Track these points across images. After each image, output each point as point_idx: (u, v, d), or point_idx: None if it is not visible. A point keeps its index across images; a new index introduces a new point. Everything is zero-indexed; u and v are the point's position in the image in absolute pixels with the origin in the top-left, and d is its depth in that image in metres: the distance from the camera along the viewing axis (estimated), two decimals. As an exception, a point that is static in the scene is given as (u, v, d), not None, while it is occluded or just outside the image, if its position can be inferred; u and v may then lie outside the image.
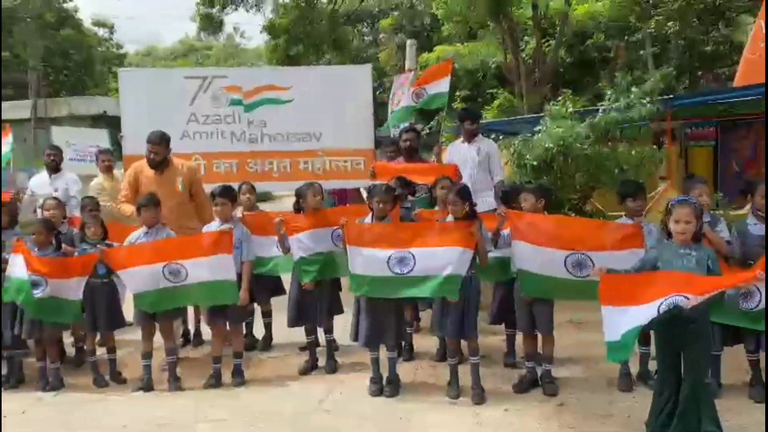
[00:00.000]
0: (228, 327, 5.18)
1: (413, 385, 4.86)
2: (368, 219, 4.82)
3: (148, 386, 5.06)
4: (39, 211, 6.35)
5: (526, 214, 4.60)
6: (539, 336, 4.66)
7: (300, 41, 15.50)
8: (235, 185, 5.68)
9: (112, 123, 21.63)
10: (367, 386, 4.74)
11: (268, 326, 6.04)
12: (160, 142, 5.93)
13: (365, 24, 23.30)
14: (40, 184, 7.04)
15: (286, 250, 5.23)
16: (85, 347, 5.60)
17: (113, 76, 28.23)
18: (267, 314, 6.05)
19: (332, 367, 5.24)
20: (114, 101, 24.77)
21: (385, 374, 4.74)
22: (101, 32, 27.83)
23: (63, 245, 5.29)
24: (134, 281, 4.98)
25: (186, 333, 6.13)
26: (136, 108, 7.13)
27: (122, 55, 30.44)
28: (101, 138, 15.61)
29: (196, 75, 7.38)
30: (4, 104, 23.04)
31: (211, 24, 18.09)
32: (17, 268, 4.96)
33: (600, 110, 7.16)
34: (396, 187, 5.13)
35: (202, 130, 7.16)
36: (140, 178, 6.04)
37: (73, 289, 5.06)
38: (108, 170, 7.21)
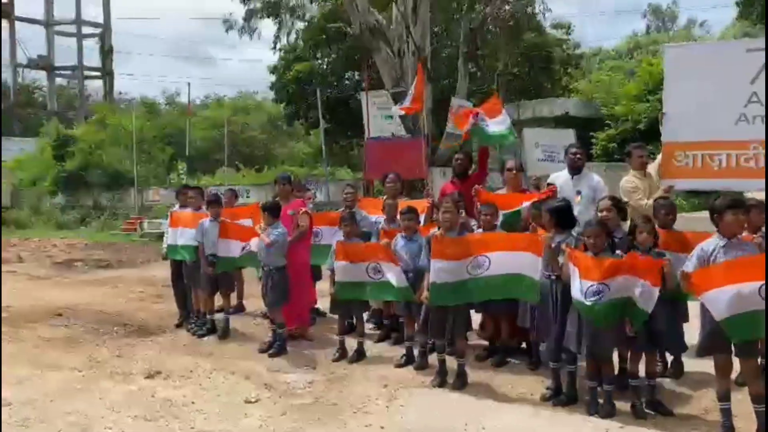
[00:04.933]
0: None
1: None
2: None
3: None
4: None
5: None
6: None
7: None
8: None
9: (572, 123, 21.28)
10: None
11: None
12: None
13: None
14: (561, 184, 6.35)
15: None
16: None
17: (571, 77, 28.09)
18: None
19: None
20: (574, 102, 24.48)
21: None
22: (558, 34, 27.83)
23: None
24: (718, 306, 3.99)
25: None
26: (682, 88, 5.94)
27: (578, 56, 30.03)
28: (568, 137, 15.25)
29: (760, 47, 5.77)
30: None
31: None
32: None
33: None
34: None
35: (765, 114, 5.64)
36: None
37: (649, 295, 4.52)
38: (642, 167, 6.19)
